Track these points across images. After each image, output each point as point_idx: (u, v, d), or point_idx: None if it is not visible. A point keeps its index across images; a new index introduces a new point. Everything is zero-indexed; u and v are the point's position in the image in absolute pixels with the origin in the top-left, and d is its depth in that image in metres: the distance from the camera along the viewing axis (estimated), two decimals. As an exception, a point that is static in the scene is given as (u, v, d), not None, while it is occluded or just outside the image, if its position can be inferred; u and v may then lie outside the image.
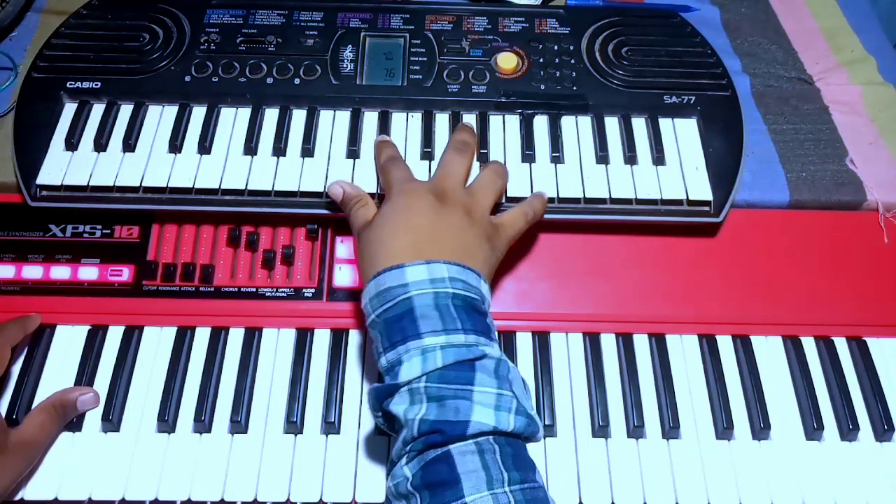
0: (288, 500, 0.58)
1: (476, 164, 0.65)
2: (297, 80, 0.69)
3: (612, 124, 0.69)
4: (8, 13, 0.76)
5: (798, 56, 0.80)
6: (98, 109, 0.69)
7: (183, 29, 0.72)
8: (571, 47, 0.72)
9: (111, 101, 0.69)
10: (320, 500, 0.58)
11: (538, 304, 0.66)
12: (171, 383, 0.62)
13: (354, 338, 0.65)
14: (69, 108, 0.69)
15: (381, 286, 0.51)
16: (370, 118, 0.69)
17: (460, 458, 0.45)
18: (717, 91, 0.71)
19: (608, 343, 0.66)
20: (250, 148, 0.66)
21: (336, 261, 0.67)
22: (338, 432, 0.61)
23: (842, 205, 0.70)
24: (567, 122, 0.69)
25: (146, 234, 0.67)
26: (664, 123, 0.69)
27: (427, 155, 0.67)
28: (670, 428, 0.61)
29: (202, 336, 0.65)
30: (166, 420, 0.60)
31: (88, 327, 0.65)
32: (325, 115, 0.69)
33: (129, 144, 0.66)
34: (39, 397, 0.61)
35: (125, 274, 0.65)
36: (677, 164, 0.67)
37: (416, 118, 0.69)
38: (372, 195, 0.63)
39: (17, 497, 0.58)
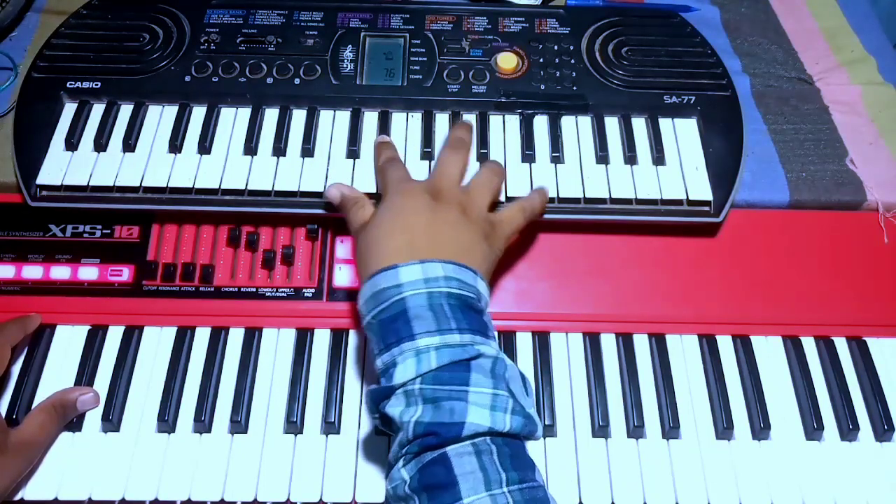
0: (288, 500, 0.58)
1: (476, 165, 0.65)
2: (297, 80, 0.69)
3: (612, 124, 0.69)
4: (8, 13, 0.76)
5: (798, 56, 0.80)
6: (98, 109, 0.69)
7: (183, 29, 0.72)
8: (571, 47, 0.72)
9: (111, 101, 0.69)
10: (320, 500, 0.58)
11: (538, 303, 0.66)
12: (171, 383, 0.62)
13: (354, 338, 0.65)
14: (69, 108, 0.69)
15: (375, 287, 0.51)
16: (370, 118, 0.69)
17: (457, 460, 0.45)
18: (717, 91, 0.70)
19: (608, 343, 0.66)
20: (250, 148, 0.66)
21: (336, 261, 0.67)
22: (338, 432, 0.61)
23: (842, 205, 0.70)
24: (567, 122, 0.69)
25: (146, 234, 0.67)
26: (664, 123, 0.69)
27: (427, 155, 0.67)
28: (670, 428, 0.61)
29: (202, 336, 0.65)
30: (166, 420, 0.60)
31: (88, 327, 0.65)
32: (325, 115, 0.69)
33: (129, 144, 0.66)
34: (39, 397, 0.61)
35: (125, 274, 0.65)
36: (677, 164, 0.67)
37: (416, 118, 0.69)
38: (371, 196, 0.63)
39: (17, 497, 0.58)
